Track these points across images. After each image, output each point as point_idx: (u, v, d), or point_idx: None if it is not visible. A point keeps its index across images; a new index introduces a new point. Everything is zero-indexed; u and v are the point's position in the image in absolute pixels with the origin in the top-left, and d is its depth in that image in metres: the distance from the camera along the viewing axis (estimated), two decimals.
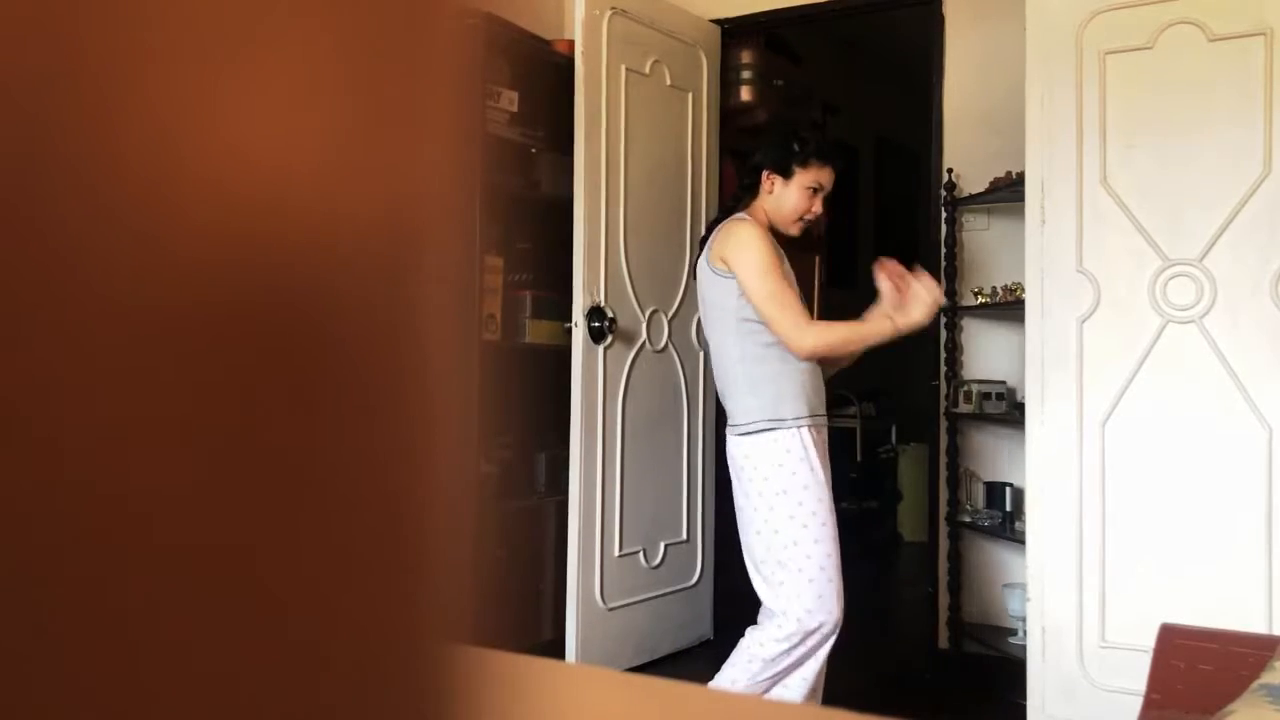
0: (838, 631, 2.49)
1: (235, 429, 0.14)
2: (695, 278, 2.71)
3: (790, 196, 2.61)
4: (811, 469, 2.47)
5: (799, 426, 2.49)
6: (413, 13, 0.17)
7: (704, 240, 2.69)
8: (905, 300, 2.47)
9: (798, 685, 2.49)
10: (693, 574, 3.83)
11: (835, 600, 2.46)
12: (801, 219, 2.62)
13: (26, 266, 0.13)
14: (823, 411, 2.59)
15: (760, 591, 2.55)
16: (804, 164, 2.60)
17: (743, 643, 2.55)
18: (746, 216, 2.61)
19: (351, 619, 0.16)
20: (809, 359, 2.52)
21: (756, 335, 2.52)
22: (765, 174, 2.63)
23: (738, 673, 2.51)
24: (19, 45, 0.13)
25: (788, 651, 2.46)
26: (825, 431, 2.59)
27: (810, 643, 2.47)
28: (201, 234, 0.14)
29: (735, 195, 2.74)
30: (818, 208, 2.63)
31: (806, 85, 4.90)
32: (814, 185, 2.61)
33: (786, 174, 2.61)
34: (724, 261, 2.53)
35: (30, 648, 0.13)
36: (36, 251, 0.13)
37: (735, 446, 2.56)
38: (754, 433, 2.51)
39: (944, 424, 3.74)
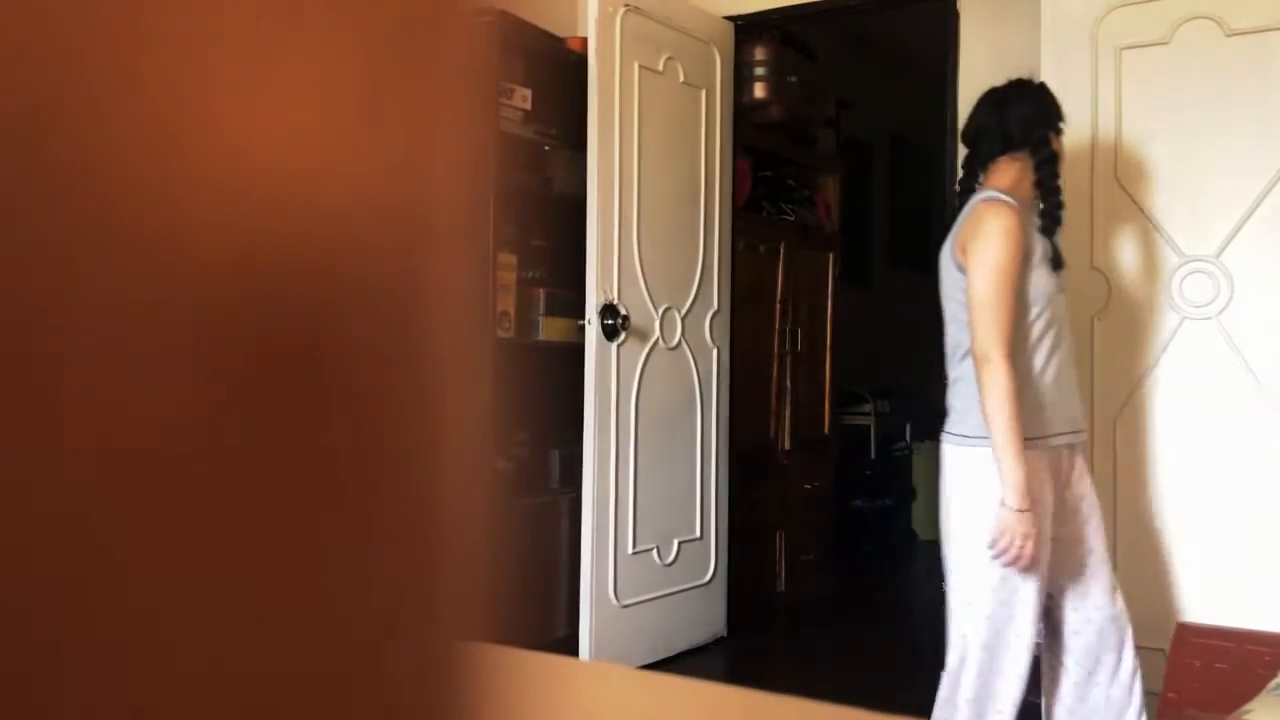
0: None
1: (247, 428, 0.14)
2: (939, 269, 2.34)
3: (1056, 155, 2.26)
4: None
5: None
6: (426, 10, 0.17)
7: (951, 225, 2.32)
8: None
9: None
10: (706, 571, 3.83)
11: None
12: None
13: (32, 270, 0.13)
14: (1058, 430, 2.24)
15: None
16: (1061, 119, 2.28)
17: None
18: (999, 196, 2.16)
19: (367, 617, 0.16)
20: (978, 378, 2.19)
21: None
22: (1050, 135, 2.23)
23: None
24: (24, 36, 0.13)
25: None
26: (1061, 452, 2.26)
27: None
28: (211, 235, 0.14)
29: (969, 172, 2.31)
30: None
31: (821, 82, 4.88)
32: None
33: (1058, 132, 2.26)
34: (965, 253, 2.17)
35: (42, 653, 0.13)
36: (42, 255, 0.13)
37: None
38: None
39: None
